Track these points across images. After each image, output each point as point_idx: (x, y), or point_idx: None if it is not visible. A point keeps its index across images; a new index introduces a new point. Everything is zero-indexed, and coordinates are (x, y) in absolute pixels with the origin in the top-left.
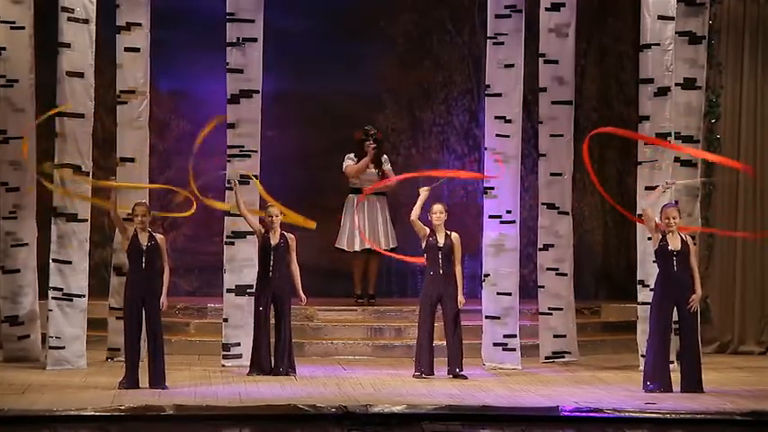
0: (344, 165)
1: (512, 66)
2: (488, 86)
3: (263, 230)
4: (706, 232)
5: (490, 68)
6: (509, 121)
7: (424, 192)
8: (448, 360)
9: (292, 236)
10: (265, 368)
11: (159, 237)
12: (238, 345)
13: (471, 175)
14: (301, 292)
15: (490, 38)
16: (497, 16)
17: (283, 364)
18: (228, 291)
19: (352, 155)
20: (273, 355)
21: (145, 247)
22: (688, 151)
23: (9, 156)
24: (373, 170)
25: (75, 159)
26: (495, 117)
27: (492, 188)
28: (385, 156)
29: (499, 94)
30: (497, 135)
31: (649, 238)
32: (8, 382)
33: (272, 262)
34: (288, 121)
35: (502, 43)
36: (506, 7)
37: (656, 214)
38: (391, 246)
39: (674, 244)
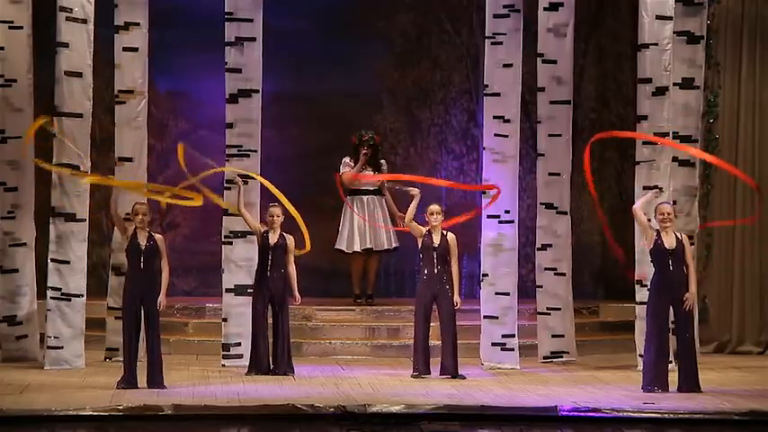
0: (341, 170)
1: (510, 65)
2: (486, 86)
3: (262, 230)
4: (703, 230)
5: (489, 68)
6: (507, 121)
7: (415, 193)
8: (441, 360)
9: (291, 236)
10: (263, 368)
11: (158, 237)
12: (239, 345)
13: (467, 187)
14: (296, 291)
15: (488, 37)
16: (496, 16)
17: (281, 364)
18: (228, 290)
19: (348, 159)
20: (272, 354)
21: (144, 247)
22: (687, 149)
23: (7, 155)
24: (370, 172)
25: (73, 159)
26: (494, 117)
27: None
28: (383, 161)
29: (498, 94)
30: (496, 135)
31: None
32: (6, 381)
33: (270, 262)
34: (286, 121)
35: (500, 43)
36: (505, 7)
37: (650, 215)
38: (393, 245)
39: (669, 242)
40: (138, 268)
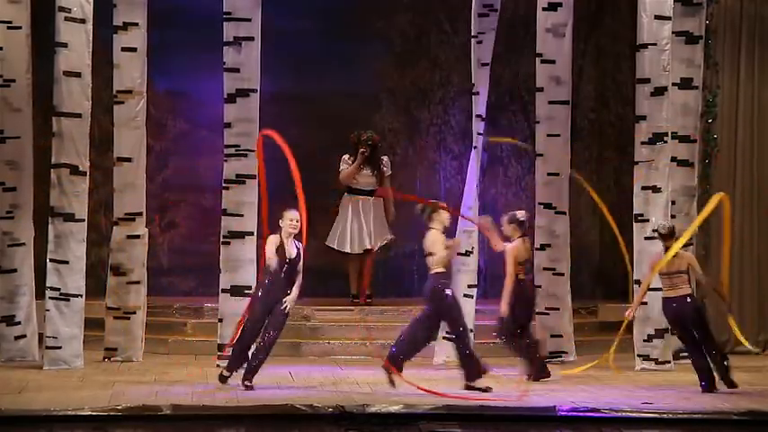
0: (340, 167)
1: (486, 65)
2: (474, 85)
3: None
4: (702, 232)
5: (474, 67)
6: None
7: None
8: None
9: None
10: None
11: (302, 245)
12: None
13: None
14: None
15: (473, 37)
16: (479, 15)
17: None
18: (224, 291)
19: (347, 157)
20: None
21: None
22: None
23: (6, 155)
24: (368, 172)
25: (72, 159)
26: (476, 116)
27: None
28: (385, 158)
29: (476, 93)
30: (479, 134)
31: (647, 238)
32: (5, 381)
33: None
34: (285, 121)
35: (481, 42)
36: (485, 6)
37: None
38: (382, 241)
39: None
40: (282, 273)
